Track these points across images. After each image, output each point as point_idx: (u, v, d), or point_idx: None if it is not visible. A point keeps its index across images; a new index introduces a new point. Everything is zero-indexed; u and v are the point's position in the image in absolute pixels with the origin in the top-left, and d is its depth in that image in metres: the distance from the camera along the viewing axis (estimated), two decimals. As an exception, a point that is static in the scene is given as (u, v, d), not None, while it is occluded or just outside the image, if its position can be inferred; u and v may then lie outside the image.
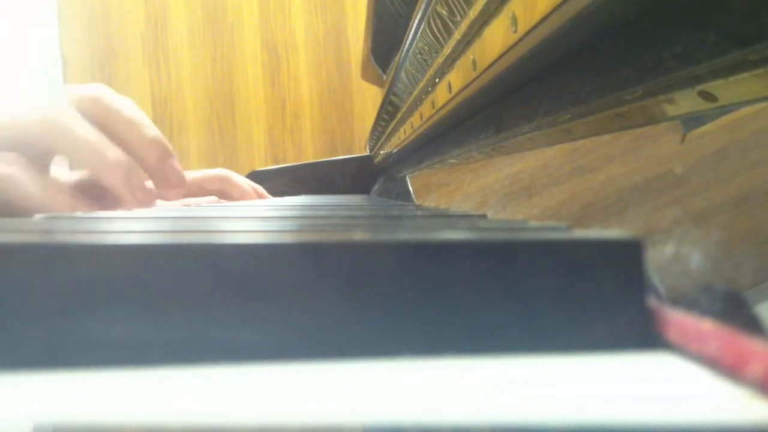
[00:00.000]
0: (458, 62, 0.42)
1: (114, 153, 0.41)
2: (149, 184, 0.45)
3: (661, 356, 0.12)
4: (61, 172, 0.44)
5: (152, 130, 0.44)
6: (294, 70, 1.83)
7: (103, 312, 0.11)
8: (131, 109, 0.44)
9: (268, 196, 0.79)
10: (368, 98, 1.80)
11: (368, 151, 1.33)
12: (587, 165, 0.26)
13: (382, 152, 1.07)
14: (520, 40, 0.28)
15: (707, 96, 0.18)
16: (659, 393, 0.10)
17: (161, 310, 0.12)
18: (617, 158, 0.24)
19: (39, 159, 0.41)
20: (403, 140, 0.75)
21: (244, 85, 1.83)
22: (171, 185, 0.45)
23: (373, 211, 0.36)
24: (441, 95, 0.49)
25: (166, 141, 0.45)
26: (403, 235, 0.13)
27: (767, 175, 0.15)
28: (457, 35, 0.40)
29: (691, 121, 0.19)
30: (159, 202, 0.50)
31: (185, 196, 0.50)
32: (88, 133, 0.40)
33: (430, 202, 0.59)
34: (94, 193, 0.43)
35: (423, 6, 0.48)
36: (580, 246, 0.13)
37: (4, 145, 0.39)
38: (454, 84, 0.44)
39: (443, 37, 0.45)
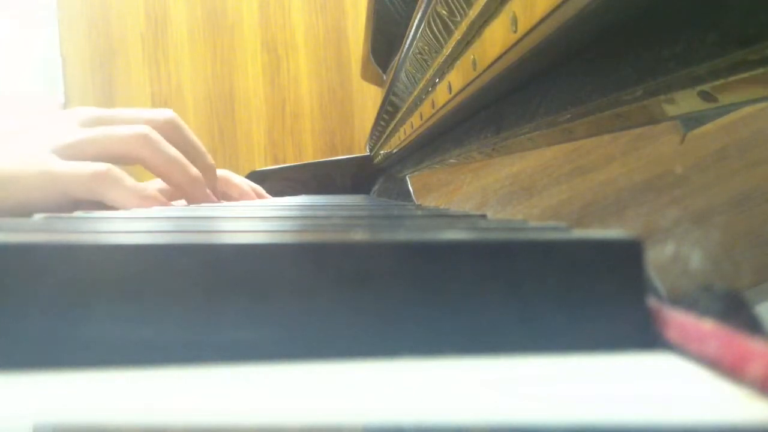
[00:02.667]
0: (458, 62, 0.42)
1: (196, 171, 0.53)
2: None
3: (661, 356, 0.12)
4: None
5: (211, 159, 0.58)
6: (294, 70, 1.83)
7: (103, 312, 0.11)
8: (196, 139, 0.57)
9: (268, 196, 0.79)
10: (368, 98, 1.80)
11: (368, 151, 1.33)
12: (587, 165, 0.26)
13: (382, 152, 1.07)
14: (520, 40, 0.28)
15: (707, 96, 0.18)
16: (659, 393, 0.10)
17: (161, 310, 0.12)
18: (617, 158, 0.24)
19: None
20: (403, 140, 0.75)
21: (244, 85, 1.83)
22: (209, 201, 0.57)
23: (373, 211, 0.36)
24: (441, 95, 0.49)
25: (215, 167, 0.59)
26: (403, 235, 0.13)
27: (767, 175, 0.15)
28: (457, 35, 0.40)
29: (691, 121, 0.19)
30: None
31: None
32: (174, 151, 0.51)
33: (430, 202, 0.59)
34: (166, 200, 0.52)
35: (423, 6, 0.48)
36: (579, 246, 0.13)
37: (99, 155, 0.47)
38: (454, 84, 0.44)
39: (443, 37, 0.45)
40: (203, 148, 0.57)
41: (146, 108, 1.76)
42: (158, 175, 0.52)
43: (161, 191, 0.56)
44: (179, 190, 0.52)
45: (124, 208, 0.44)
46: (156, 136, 0.50)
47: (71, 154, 0.46)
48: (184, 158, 0.52)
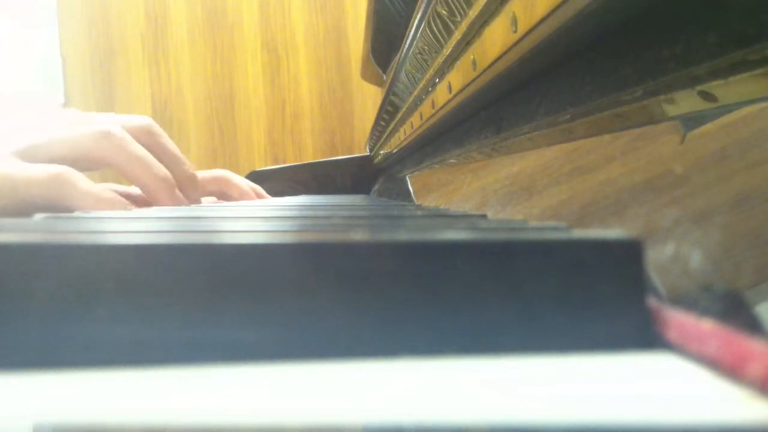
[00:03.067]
0: (458, 62, 0.42)
1: (164, 171, 0.50)
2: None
3: (661, 356, 0.12)
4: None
5: (191, 168, 0.56)
6: (294, 70, 1.83)
7: (103, 312, 0.11)
8: (174, 146, 0.54)
9: (268, 196, 0.79)
10: (368, 98, 1.80)
11: (368, 151, 1.33)
12: (587, 165, 0.26)
13: (382, 152, 1.07)
14: (520, 40, 0.28)
15: (707, 96, 0.18)
16: (659, 393, 0.10)
17: (161, 310, 0.12)
18: (617, 158, 0.24)
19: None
20: (403, 140, 0.75)
21: (244, 85, 1.83)
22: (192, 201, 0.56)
23: (373, 211, 0.36)
24: (441, 95, 0.49)
25: (194, 170, 0.57)
26: (403, 235, 0.13)
27: (767, 175, 0.15)
28: (457, 35, 0.40)
29: (691, 121, 0.19)
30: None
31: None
32: (140, 150, 0.49)
33: (430, 202, 0.59)
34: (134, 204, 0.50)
35: (423, 6, 0.48)
36: (580, 246, 0.13)
37: (64, 157, 0.45)
38: (454, 84, 0.44)
39: (443, 37, 0.45)
40: (182, 157, 0.55)
41: (147, 109, 1.76)
42: (123, 174, 0.50)
43: (131, 196, 0.54)
44: (145, 190, 0.50)
45: (81, 210, 0.42)
46: (120, 134, 0.48)
47: (31, 156, 0.45)
48: (152, 158, 0.50)
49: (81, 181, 0.44)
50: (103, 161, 0.48)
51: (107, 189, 0.47)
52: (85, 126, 0.48)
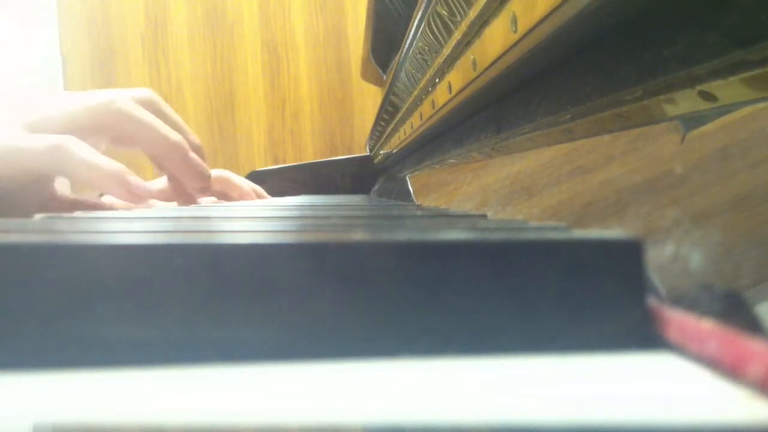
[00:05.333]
0: (458, 62, 0.42)
1: (175, 134, 0.49)
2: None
3: (661, 356, 0.12)
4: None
5: (195, 137, 0.55)
6: (294, 70, 1.83)
7: (103, 312, 0.11)
8: (177, 116, 0.53)
9: (268, 196, 0.79)
10: (368, 98, 1.80)
11: (368, 151, 1.33)
12: (587, 165, 0.26)
13: (382, 152, 1.07)
14: (520, 40, 0.28)
15: (707, 96, 0.18)
16: (659, 393, 0.10)
17: (161, 309, 0.12)
18: (617, 158, 0.24)
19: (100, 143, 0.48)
20: (403, 140, 0.75)
21: (244, 85, 1.83)
22: (201, 182, 0.54)
23: (373, 211, 0.36)
24: (441, 95, 0.49)
25: (201, 147, 0.56)
26: (403, 235, 0.13)
27: (767, 175, 0.15)
28: (457, 35, 0.40)
29: (691, 121, 0.19)
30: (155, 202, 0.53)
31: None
32: (148, 115, 0.48)
33: (430, 202, 0.59)
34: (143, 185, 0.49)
35: (423, 6, 0.48)
36: (580, 246, 0.13)
37: (71, 128, 0.45)
38: (454, 84, 0.44)
39: (443, 37, 0.45)
40: (185, 126, 0.54)
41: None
42: (133, 142, 0.49)
43: (160, 191, 0.54)
44: (158, 154, 0.50)
45: (81, 180, 0.42)
46: (124, 101, 0.48)
47: (41, 128, 0.45)
48: (161, 122, 0.49)
49: (82, 150, 0.43)
50: (111, 129, 0.48)
51: (112, 161, 0.46)
52: (90, 98, 0.48)
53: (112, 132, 0.48)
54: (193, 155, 0.51)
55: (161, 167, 0.53)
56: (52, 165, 0.43)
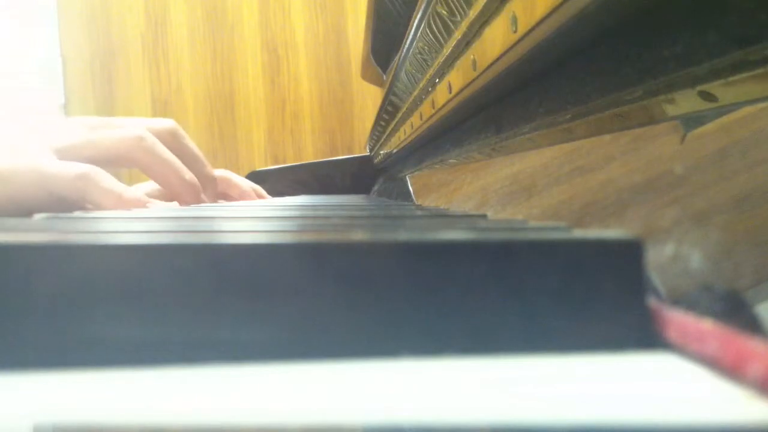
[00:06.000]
0: (458, 62, 0.42)
1: (191, 175, 0.54)
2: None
3: (661, 356, 0.12)
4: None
5: (210, 170, 0.60)
6: (294, 70, 1.83)
7: (103, 312, 0.11)
8: (196, 148, 0.58)
9: (268, 196, 0.79)
10: (368, 98, 1.80)
11: (368, 151, 1.33)
12: (587, 165, 0.26)
13: (382, 152, 1.07)
14: (520, 40, 0.28)
15: (707, 96, 0.18)
16: (659, 393, 0.10)
17: (161, 310, 0.12)
18: (617, 158, 0.24)
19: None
20: (403, 140, 0.75)
21: (244, 85, 1.83)
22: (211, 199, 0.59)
23: (373, 211, 0.36)
24: (441, 95, 0.49)
25: (215, 178, 0.62)
26: (403, 235, 0.13)
27: (767, 175, 0.15)
28: (457, 35, 0.40)
29: (691, 121, 0.19)
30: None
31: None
32: (168, 154, 0.53)
33: (430, 202, 0.59)
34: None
35: (423, 6, 0.48)
36: (580, 246, 0.13)
37: (98, 158, 0.49)
38: (454, 84, 0.44)
39: (443, 37, 0.45)
40: (203, 158, 0.59)
41: (147, 109, 1.76)
42: (152, 177, 0.53)
43: (152, 193, 0.57)
44: (173, 193, 0.54)
45: (105, 208, 0.45)
46: (152, 139, 0.52)
47: (69, 155, 0.48)
48: (180, 162, 0.54)
49: (106, 180, 0.46)
50: (134, 163, 0.52)
51: (131, 189, 0.49)
52: (118, 130, 0.52)
53: (134, 164, 0.52)
54: (201, 196, 0.56)
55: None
56: (78, 192, 0.45)
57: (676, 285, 0.16)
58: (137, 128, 0.52)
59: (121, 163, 0.51)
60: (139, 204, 0.47)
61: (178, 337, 0.12)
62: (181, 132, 0.57)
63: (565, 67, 0.30)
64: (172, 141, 0.55)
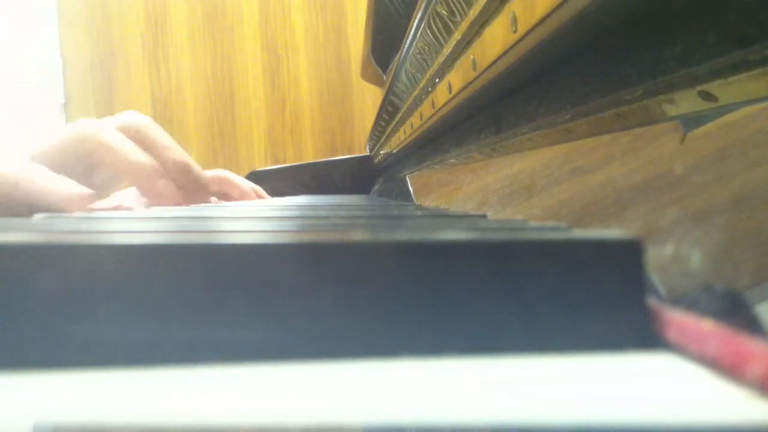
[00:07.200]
0: (458, 62, 0.42)
1: (140, 156, 0.51)
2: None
3: (661, 356, 0.12)
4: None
5: (182, 156, 0.55)
6: (294, 70, 1.83)
7: (103, 312, 0.11)
8: (162, 135, 0.54)
9: (268, 196, 0.79)
10: (368, 98, 1.80)
11: (368, 151, 1.33)
12: (587, 165, 0.26)
13: (382, 152, 1.07)
14: (520, 40, 0.28)
15: (707, 96, 0.18)
16: (659, 393, 0.10)
17: (161, 310, 0.12)
18: (617, 158, 0.24)
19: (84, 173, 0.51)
20: (403, 140, 0.75)
21: (244, 85, 1.83)
22: (195, 192, 0.56)
23: (372, 211, 0.36)
24: (441, 95, 0.49)
25: (190, 160, 0.56)
26: (403, 235, 0.13)
27: (767, 175, 0.15)
28: (457, 35, 0.40)
29: (691, 121, 0.19)
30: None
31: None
32: (113, 137, 0.50)
33: (430, 202, 0.59)
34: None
35: (423, 6, 0.48)
36: (580, 246, 0.13)
37: (51, 159, 0.48)
38: (454, 84, 0.44)
39: (443, 37, 0.45)
40: (170, 143, 0.55)
41: (147, 109, 1.76)
42: (109, 168, 0.51)
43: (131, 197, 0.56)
44: (127, 179, 0.52)
45: (45, 207, 0.44)
46: (95, 127, 0.50)
47: (38, 160, 0.48)
48: (131, 146, 0.51)
49: (40, 176, 0.45)
50: (84, 156, 0.50)
51: (76, 184, 0.47)
52: (76, 128, 0.51)
53: (94, 160, 0.50)
54: (164, 182, 0.52)
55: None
56: (8, 191, 0.44)
57: (676, 285, 0.16)
58: (90, 126, 0.50)
59: (82, 159, 0.50)
60: (82, 201, 0.45)
61: (177, 337, 0.12)
62: (142, 122, 0.53)
63: (565, 67, 0.30)
64: (135, 134, 0.52)
